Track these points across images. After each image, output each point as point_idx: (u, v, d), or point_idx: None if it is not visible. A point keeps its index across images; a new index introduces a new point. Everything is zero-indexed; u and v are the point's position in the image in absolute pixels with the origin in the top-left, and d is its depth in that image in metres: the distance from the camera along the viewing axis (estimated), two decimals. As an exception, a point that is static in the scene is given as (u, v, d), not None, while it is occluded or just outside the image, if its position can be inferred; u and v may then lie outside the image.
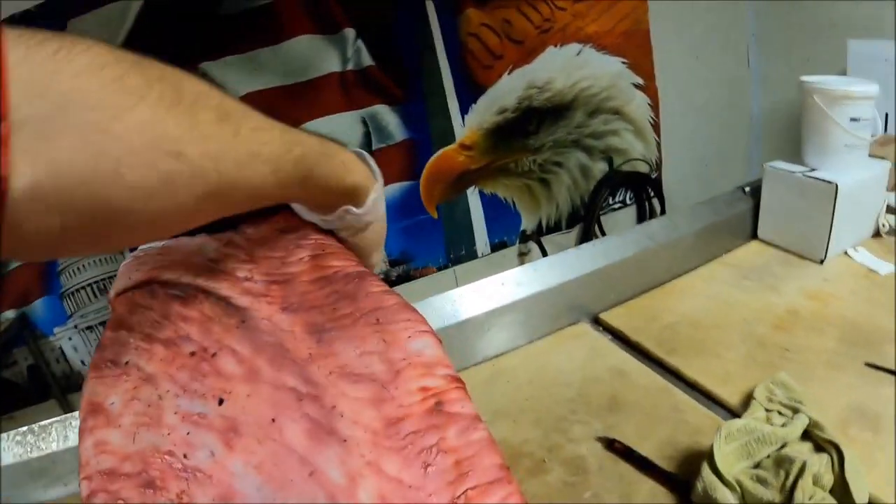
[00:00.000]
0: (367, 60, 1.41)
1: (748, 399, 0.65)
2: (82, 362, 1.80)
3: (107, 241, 0.31)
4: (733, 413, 0.66)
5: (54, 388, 1.77)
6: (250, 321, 0.45)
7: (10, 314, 1.70)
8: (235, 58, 1.40)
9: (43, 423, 0.82)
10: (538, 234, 1.56)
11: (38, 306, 1.72)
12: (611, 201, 1.65)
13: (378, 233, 0.52)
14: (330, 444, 0.38)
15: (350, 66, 1.40)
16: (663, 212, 1.72)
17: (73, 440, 0.81)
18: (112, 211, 0.27)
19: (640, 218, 1.72)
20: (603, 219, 1.61)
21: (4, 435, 0.83)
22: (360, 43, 1.40)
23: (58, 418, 0.82)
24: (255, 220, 0.53)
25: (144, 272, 0.47)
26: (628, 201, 1.70)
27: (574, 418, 0.68)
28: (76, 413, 0.76)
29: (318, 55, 1.39)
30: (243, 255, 0.50)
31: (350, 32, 1.40)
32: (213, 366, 0.42)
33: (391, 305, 0.46)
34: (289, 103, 1.40)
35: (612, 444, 0.63)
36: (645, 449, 0.62)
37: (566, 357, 0.77)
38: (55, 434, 0.82)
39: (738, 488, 0.53)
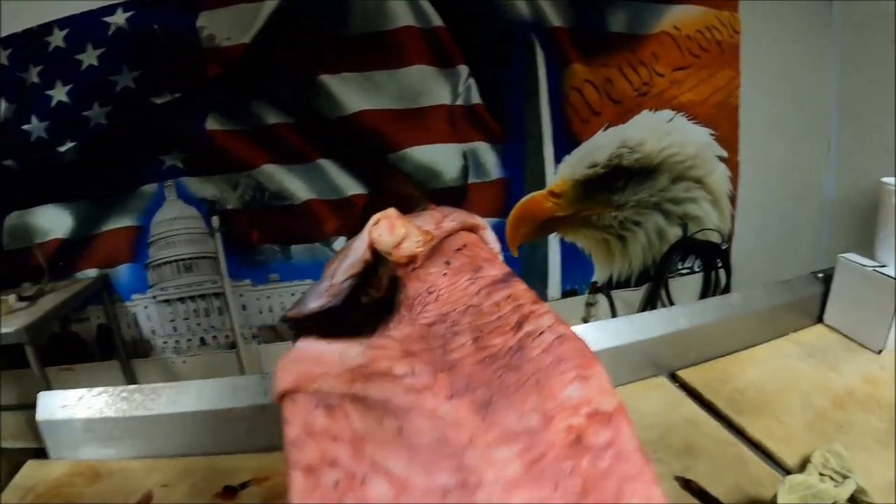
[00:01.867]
0: (476, 98, 1.61)
1: (805, 462, 0.81)
2: (153, 332, 1.95)
3: None
4: (790, 472, 0.81)
5: (120, 351, 1.91)
6: (410, 425, 0.48)
7: (92, 273, 1.88)
8: (353, 75, 1.59)
9: (156, 385, 0.89)
10: (608, 288, 1.73)
11: (122, 271, 1.87)
12: (679, 266, 1.82)
13: None
14: None
15: (459, 101, 1.60)
16: (728, 283, 1.88)
17: (184, 405, 0.88)
18: None
19: (706, 286, 1.88)
20: (670, 283, 1.78)
21: (112, 388, 0.90)
22: (471, 81, 1.60)
23: (171, 383, 0.90)
24: (389, 321, 0.58)
25: (291, 380, 0.51)
26: (696, 268, 1.87)
27: (655, 457, 0.84)
28: (191, 381, 0.90)
29: (431, 85, 1.59)
30: (397, 352, 0.53)
31: (463, 69, 1.60)
32: (360, 494, 0.44)
33: (548, 365, 0.54)
34: (397, 126, 1.60)
35: (688, 484, 0.79)
36: (714, 491, 0.78)
37: (648, 403, 0.94)
38: (165, 398, 0.89)
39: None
